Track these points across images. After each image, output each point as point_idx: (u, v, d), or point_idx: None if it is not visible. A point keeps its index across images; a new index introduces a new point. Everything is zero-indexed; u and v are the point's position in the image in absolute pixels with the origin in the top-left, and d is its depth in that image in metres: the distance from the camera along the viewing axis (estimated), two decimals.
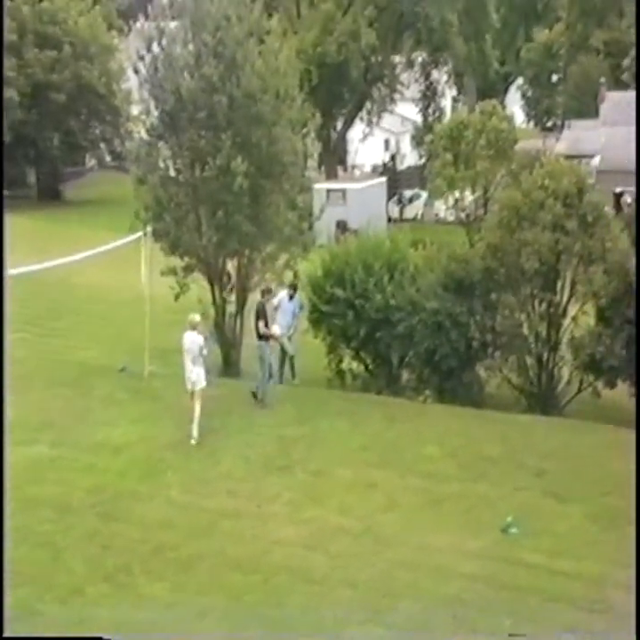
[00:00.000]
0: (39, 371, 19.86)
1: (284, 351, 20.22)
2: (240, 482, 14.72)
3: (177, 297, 20.35)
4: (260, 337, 18.17)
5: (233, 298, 20.82)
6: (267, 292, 19.00)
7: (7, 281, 18.31)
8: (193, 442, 15.86)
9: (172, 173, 20.62)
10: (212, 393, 16.84)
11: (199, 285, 20.52)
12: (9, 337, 21.06)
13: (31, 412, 17.20)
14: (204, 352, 16.49)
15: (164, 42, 20.24)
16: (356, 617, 10.75)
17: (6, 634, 9.31)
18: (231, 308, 20.84)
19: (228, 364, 20.81)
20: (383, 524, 13.32)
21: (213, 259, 20.40)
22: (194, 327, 16.51)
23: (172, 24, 20.88)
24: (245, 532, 13.01)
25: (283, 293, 20.42)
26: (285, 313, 20.22)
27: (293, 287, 20.55)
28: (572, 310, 19.20)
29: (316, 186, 34.34)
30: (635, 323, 18.01)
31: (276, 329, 18.78)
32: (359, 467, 15.28)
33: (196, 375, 16.36)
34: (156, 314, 19.65)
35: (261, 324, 18.06)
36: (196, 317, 16.84)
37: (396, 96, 58.95)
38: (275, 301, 20.04)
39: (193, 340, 16.38)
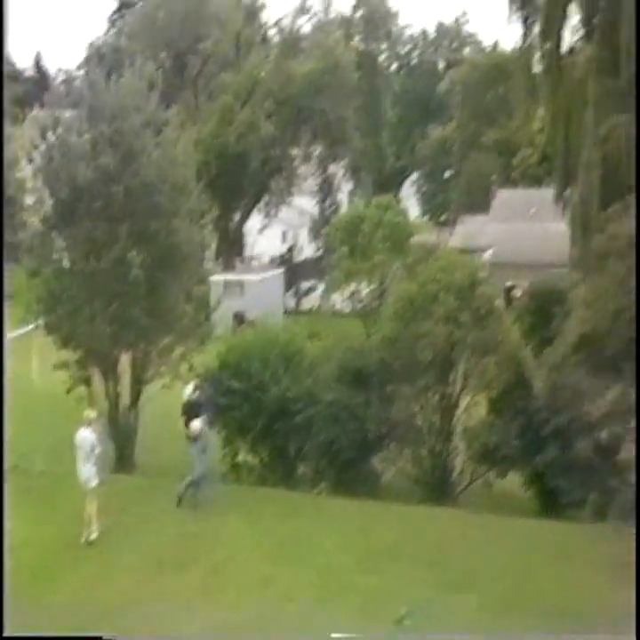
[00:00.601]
0: None
1: None
2: (134, 581, 14.29)
3: (69, 391, 19.94)
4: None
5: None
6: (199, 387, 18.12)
7: None
8: (85, 541, 15.36)
9: (67, 265, 20.35)
10: (106, 489, 16.40)
11: (93, 379, 20.16)
12: None
13: None
14: (97, 450, 15.92)
15: (59, 130, 20.12)
16: None
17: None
18: (126, 401, 20.51)
19: (122, 458, 20.39)
20: (279, 619, 13.06)
21: (107, 352, 20.10)
22: (88, 423, 16.01)
23: (68, 113, 20.81)
24: (142, 631, 12.58)
25: (188, 388, 19.20)
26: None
27: (201, 379, 19.31)
28: (465, 401, 19.44)
29: (214, 277, 34.37)
30: (524, 411, 18.35)
31: (195, 424, 17.64)
32: (255, 562, 15.01)
33: (87, 473, 15.80)
34: (48, 410, 19.19)
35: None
36: (91, 414, 16.35)
37: (294, 188, 59.79)
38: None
39: (84, 437, 15.86)
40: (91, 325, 19.62)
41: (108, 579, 14.42)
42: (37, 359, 19.05)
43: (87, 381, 20.11)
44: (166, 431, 22.99)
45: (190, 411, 17.38)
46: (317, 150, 60.57)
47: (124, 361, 20.79)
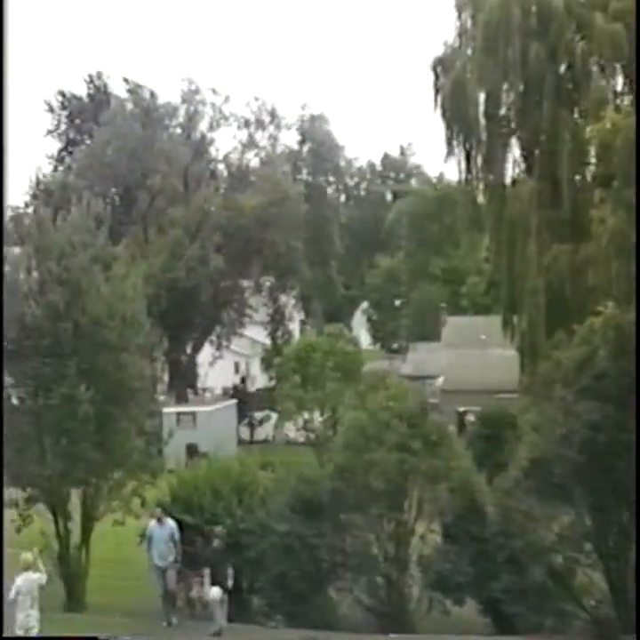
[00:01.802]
0: None
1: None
2: None
3: (19, 530, 19.54)
4: None
5: None
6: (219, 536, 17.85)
7: None
8: None
9: (15, 402, 20.17)
10: (51, 631, 15.91)
11: (42, 517, 19.81)
12: None
13: None
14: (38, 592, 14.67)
15: (7, 268, 20.16)
16: None
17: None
18: (76, 539, 20.13)
19: (71, 598, 19.89)
20: None
21: (57, 489, 19.82)
22: (28, 567, 14.54)
23: (16, 250, 20.92)
24: None
25: (152, 522, 18.83)
26: (158, 542, 18.48)
27: (163, 509, 19.01)
28: (420, 528, 19.35)
29: (166, 410, 34.25)
30: (478, 537, 18.29)
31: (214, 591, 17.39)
32: None
33: (34, 620, 14.35)
34: None
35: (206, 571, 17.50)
36: (29, 556, 14.76)
37: (246, 319, 60.21)
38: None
39: (32, 580, 14.43)
40: (40, 463, 19.33)
41: None
42: None
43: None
44: (118, 569, 22.62)
45: (215, 561, 17.52)
46: (268, 281, 61.28)
47: (75, 498, 20.47)
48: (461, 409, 42.87)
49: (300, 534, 18.96)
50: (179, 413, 40.56)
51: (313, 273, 66.56)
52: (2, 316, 19.14)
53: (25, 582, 14.46)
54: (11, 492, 19.57)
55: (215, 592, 17.34)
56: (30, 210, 56.71)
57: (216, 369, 58.64)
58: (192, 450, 38.08)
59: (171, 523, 18.45)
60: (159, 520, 18.51)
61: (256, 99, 62.65)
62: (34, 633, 14.36)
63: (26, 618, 14.33)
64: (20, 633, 14.31)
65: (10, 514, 19.41)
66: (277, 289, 61.95)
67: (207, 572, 17.27)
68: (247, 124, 61.73)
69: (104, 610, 19.98)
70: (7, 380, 20.17)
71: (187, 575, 19.70)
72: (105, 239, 20.97)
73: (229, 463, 21.48)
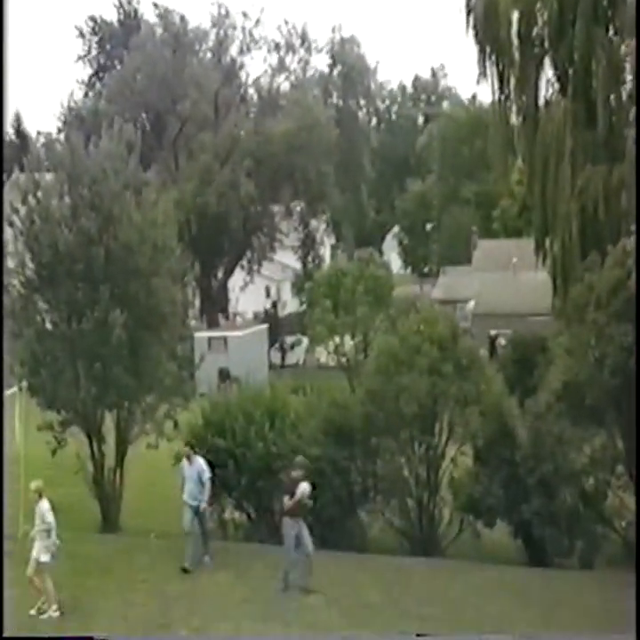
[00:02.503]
0: None
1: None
2: None
3: (54, 452, 19.90)
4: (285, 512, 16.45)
5: None
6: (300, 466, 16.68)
7: None
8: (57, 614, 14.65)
9: (49, 327, 20.38)
10: (89, 551, 16.29)
11: (77, 440, 20.12)
12: None
13: None
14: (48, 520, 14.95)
15: (39, 194, 20.25)
16: None
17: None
18: (110, 462, 20.45)
19: (106, 520, 20.27)
20: None
21: (91, 412, 20.08)
22: (40, 495, 14.95)
23: (48, 177, 20.98)
24: None
25: (183, 461, 18.10)
26: (188, 481, 17.74)
27: (191, 447, 18.18)
28: (451, 452, 19.46)
29: (197, 334, 34.43)
30: (509, 461, 18.37)
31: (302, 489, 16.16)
32: (242, 620, 14.84)
33: (51, 546, 14.88)
34: (32, 472, 19.07)
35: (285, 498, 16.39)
36: (40, 484, 15.18)
37: (276, 244, 60.19)
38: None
39: (46, 509, 14.87)
40: (74, 387, 19.59)
41: None
42: (20, 422, 18.99)
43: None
44: (151, 492, 22.95)
45: (293, 489, 16.25)
46: (298, 206, 61.03)
47: (109, 421, 20.75)
48: (493, 333, 42.80)
49: (332, 458, 19.12)
50: (210, 338, 40.76)
51: (344, 198, 66.15)
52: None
53: (45, 510, 14.83)
54: (46, 415, 19.85)
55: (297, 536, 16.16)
56: (62, 136, 56.87)
57: (247, 294, 58.83)
58: (223, 374, 38.32)
59: (199, 461, 17.74)
60: (188, 458, 17.84)
61: (286, 22, 62.03)
62: (46, 560, 14.73)
63: (47, 545, 14.74)
64: (48, 560, 14.70)
65: (45, 436, 19.71)
66: (308, 214, 61.71)
67: (286, 498, 16.26)
68: (277, 47, 60.96)
69: (138, 531, 20.35)
70: (41, 305, 20.38)
71: (218, 496, 19.99)
72: (136, 165, 20.93)
73: (261, 387, 21.61)
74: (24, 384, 19.37)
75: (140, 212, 20.26)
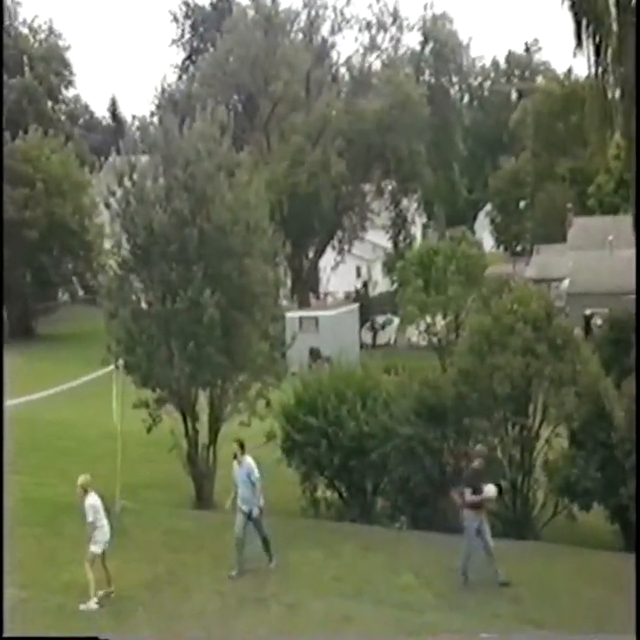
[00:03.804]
0: (8, 510, 19.48)
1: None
2: (213, 617, 14.34)
3: (149, 429, 20.26)
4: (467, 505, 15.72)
5: None
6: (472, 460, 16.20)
7: None
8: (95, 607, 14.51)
9: (144, 306, 20.72)
10: (183, 527, 16.54)
11: (171, 417, 20.43)
12: None
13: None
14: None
15: (135, 176, 20.57)
16: None
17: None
18: (204, 439, 20.72)
19: (200, 497, 20.56)
20: None
21: (185, 390, 20.37)
22: (88, 486, 14.85)
23: (143, 159, 21.30)
24: None
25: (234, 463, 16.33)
26: (238, 484, 16.19)
27: (240, 446, 16.33)
28: (545, 433, 19.18)
29: (289, 314, 34.60)
30: (606, 443, 18.04)
31: (489, 489, 15.67)
32: (334, 598, 14.94)
33: (108, 530, 14.93)
34: (128, 448, 19.46)
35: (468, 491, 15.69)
36: (88, 477, 15.03)
37: (367, 224, 60.06)
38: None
39: (95, 501, 14.80)
40: (169, 365, 19.89)
41: (189, 615, 14.48)
42: (117, 400, 19.35)
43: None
44: None
45: (474, 481, 15.73)
46: (390, 185, 60.77)
47: (202, 399, 21.03)
48: (588, 312, 42.04)
49: (424, 438, 19.03)
50: (301, 318, 40.91)
51: (435, 176, 65.62)
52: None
53: (97, 500, 14.84)
54: (141, 393, 20.21)
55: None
56: (156, 119, 57.67)
57: (338, 274, 58.91)
58: (315, 354, 38.47)
59: (248, 461, 16.07)
60: (235, 457, 16.16)
61: (377, 0, 61.42)
62: (98, 551, 14.74)
63: (105, 534, 14.80)
64: (97, 551, 14.70)
65: (141, 414, 20.07)
66: (399, 193, 61.50)
67: (468, 491, 15.62)
68: (369, 26, 60.72)
69: (235, 509, 20.55)
70: (136, 285, 20.72)
71: (310, 475, 20.10)
72: (229, 147, 21.11)
73: (352, 367, 21.62)
74: (120, 362, 19.72)
75: (233, 193, 20.42)
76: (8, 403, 20.48)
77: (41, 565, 16.31)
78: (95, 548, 14.66)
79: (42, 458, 24.54)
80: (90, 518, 14.60)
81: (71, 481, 19.53)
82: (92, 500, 14.75)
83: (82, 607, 14.43)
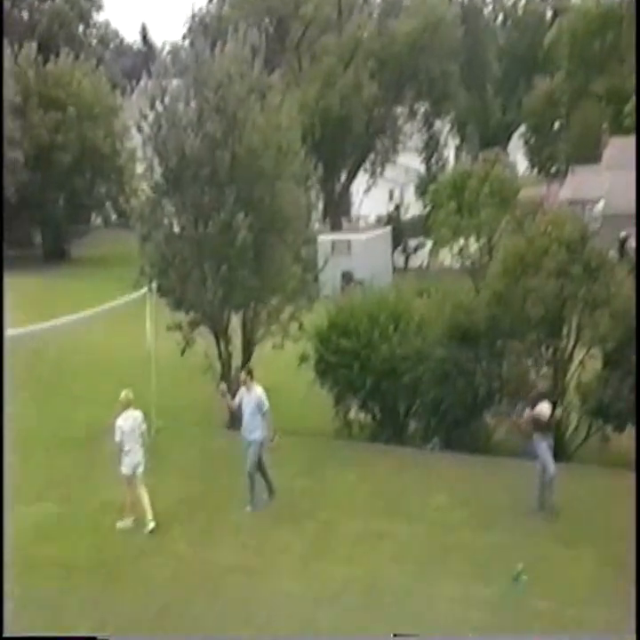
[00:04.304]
0: (45, 430, 19.86)
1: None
2: (249, 534, 14.61)
3: (183, 351, 20.44)
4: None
5: None
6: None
7: (8, 340, 18.26)
8: (151, 528, 14.54)
9: (177, 230, 20.75)
10: (218, 447, 16.75)
11: (205, 340, 20.59)
12: (15, 396, 21.07)
13: (38, 472, 17.19)
14: (144, 428, 15.02)
15: (166, 100, 20.46)
16: None
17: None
18: (237, 362, 20.87)
19: (234, 418, 20.74)
20: (392, 574, 13.19)
21: (218, 313, 20.48)
22: (129, 405, 14.83)
23: (175, 82, 21.18)
24: (254, 586, 12.88)
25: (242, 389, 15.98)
26: (244, 412, 15.90)
27: (249, 373, 16.08)
28: (579, 355, 19.15)
29: (321, 237, 34.50)
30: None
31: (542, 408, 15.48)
32: (368, 517, 15.18)
33: (140, 456, 14.78)
34: (162, 370, 19.66)
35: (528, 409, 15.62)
36: (130, 393, 15.01)
37: (399, 147, 59.44)
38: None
39: (135, 417, 14.79)
40: (202, 288, 19.97)
41: (224, 532, 14.75)
42: (151, 322, 19.50)
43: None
44: (277, 392, 23.36)
45: (537, 400, 15.70)
46: (422, 107, 59.97)
47: (235, 322, 21.15)
48: (623, 234, 41.56)
49: (457, 360, 19.07)
50: (333, 241, 40.76)
51: (469, 98, 64.59)
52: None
53: (126, 421, 14.74)
54: (175, 316, 20.37)
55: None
56: (187, 43, 56.99)
57: (370, 197, 58.47)
58: (347, 277, 38.38)
59: (257, 390, 15.67)
60: (245, 384, 15.81)
61: None
62: (140, 471, 14.75)
63: (133, 456, 14.68)
64: (126, 472, 14.71)
65: (175, 336, 20.25)
66: (432, 115, 60.61)
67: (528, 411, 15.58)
68: None
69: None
70: (169, 208, 20.74)
71: (343, 397, 20.23)
72: (260, 69, 20.89)
73: (385, 290, 21.62)
74: (153, 285, 19.83)
75: (265, 116, 20.28)
76: (43, 325, 20.62)
77: (78, 484, 16.65)
78: (125, 470, 14.72)
79: (77, 380, 24.87)
80: (117, 438, 14.66)
81: (107, 402, 19.83)
82: (122, 421, 14.70)
83: (119, 525, 14.71)
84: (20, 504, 15.41)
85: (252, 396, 15.63)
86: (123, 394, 14.89)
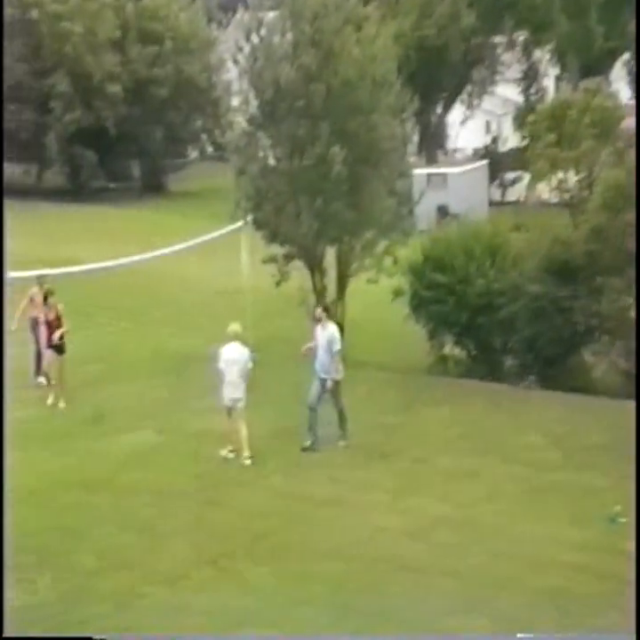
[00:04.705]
0: (142, 360, 20.26)
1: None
2: (341, 469, 14.71)
3: (278, 284, 20.57)
4: None
5: None
6: None
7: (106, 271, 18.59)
8: (248, 462, 14.67)
9: (272, 163, 20.78)
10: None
11: (300, 273, 20.65)
12: (113, 326, 21.53)
13: (135, 400, 17.58)
14: (250, 365, 14.85)
15: (262, 32, 20.44)
16: (458, 607, 10.56)
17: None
18: (332, 295, 20.91)
19: None
20: (484, 513, 13.13)
21: (313, 246, 20.50)
22: (236, 337, 14.77)
23: (271, 14, 21.03)
24: (347, 519, 12.98)
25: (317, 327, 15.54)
26: (317, 349, 15.45)
27: (325, 310, 15.92)
28: None
29: (416, 171, 34.07)
30: None
31: None
32: (460, 455, 15.14)
33: (242, 392, 14.75)
34: (257, 303, 19.81)
35: None
36: (237, 326, 14.96)
37: (497, 77, 58.16)
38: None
39: (241, 352, 14.70)
40: (296, 221, 19.96)
41: (316, 465, 14.89)
42: (246, 255, 19.62)
43: None
44: (372, 327, 23.39)
45: None
46: (521, 36, 58.44)
47: (330, 255, 21.13)
48: None
49: (554, 296, 18.74)
50: (429, 174, 40.24)
51: (570, 25, 62.61)
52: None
53: (231, 351, 14.67)
54: (270, 249, 20.45)
55: None
56: None
57: (466, 129, 57.52)
58: (443, 211, 37.97)
59: (331, 328, 15.30)
60: (319, 321, 15.48)
61: None
62: (240, 406, 14.71)
63: (233, 390, 14.65)
64: (226, 403, 14.71)
65: (269, 270, 20.34)
66: (531, 44, 59.01)
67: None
68: None
69: (358, 364, 20.83)
70: (264, 141, 20.73)
71: (438, 332, 20.12)
72: (356, 0, 20.60)
73: (481, 224, 21.33)
74: (249, 218, 19.88)
75: (360, 47, 20.07)
76: (141, 257, 20.96)
77: (174, 413, 16.96)
78: (226, 402, 14.79)
79: (171, 311, 25.26)
80: (220, 365, 14.66)
81: (200, 333, 20.14)
82: (226, 350, 14.69)
83: (221, 453, 14.87)
84: (120, 432, 15.83)
85: (326, 333, 15.22)
86: (230, 327, 14.80)
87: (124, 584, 10.94)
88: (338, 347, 15.11)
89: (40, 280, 18.20)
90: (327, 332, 15.20)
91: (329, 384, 15.21)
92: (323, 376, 15.21)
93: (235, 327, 14.86)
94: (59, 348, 17.21)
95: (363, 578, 11.34)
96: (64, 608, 10.29)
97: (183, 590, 10.92)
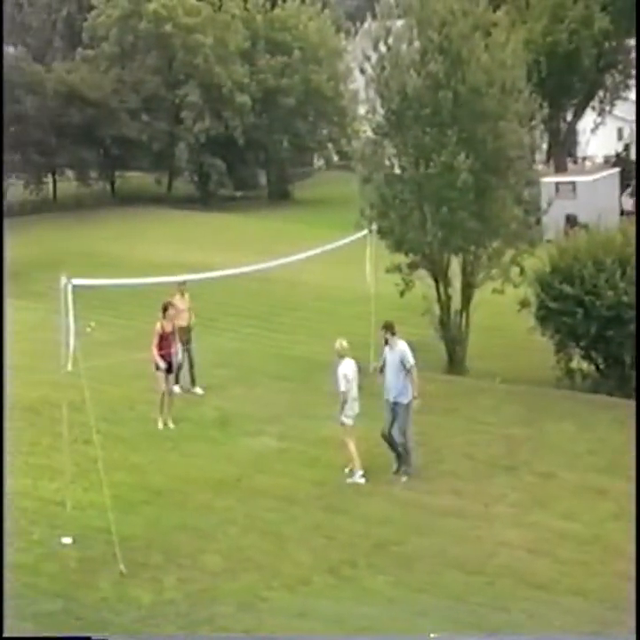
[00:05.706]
0: (266, 365, 20.49)
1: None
2: (464, 481, 14.54)
3: (402, 293, 20.54)
4: None
5: None
6: None
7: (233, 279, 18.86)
8: (362, 480, 14.29)
9: (397, 171, 20.73)
10: (434, 390, 16.71)
11: (424, 282, 20.56)
12: (238, 332, 21.79)
13: (258, 405, 17.77)
14: (359, 378, 14.44)
15: (390, 41, 20.42)
16: (584, 627, 10.32)
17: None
18: (456, 305, 20.75)
19: (452, 361, 20.73)
20: (612, 532, 12.75)
21: (438, 255, 20.40)
22: (345, 353, 14.26)
23: (399, 23, 21.02)
24: (469, 531, 12.82)
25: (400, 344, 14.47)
26: (390, 368, 14.48)
27: (389, 330, 14.52)
28: None
29: (544, 179, 33.61)
30: None
31: None
32: (587, 471, 14.78)
33: (358, 406, 14.35)
34: (380, 311, 19.75)
35: None
36: (345, 343, 14.32)
37: (631, 82, 56.78)
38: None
39: (355, 369, 14.30)
40: (421, 230, 19.90)
41: (440, 475, 14.77)
42: (371, 264, 19.63)
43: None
44: (497, 337, 23.13)
45: None
46: None
47: (455, 265, 20.97)
48: None
49: None
50: (558, 183, 39.63)
51: None
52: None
53: (348, 369, 14.21)
54: (394, 258, 20.41)
55: None
56: None
57: (597, 136, 56.36)
58: (571, 220, 37.16)
59: (401, 345, 14.33)
60: (386, 342, 14.47)
61: None
62: (352, 423, 14.34)
63: (354, 405, 14.31)
64: (347, 422, 14.30)
65: (393, 279, 20.30)
66: None
67: None
68: None
69: (483, 374, 20.64)
70: (390, 150, 20.75)
71: (565, 345, 19.73)
72: (485, 6, 20.53)
73: (612, 234, 20.79)
74: (374, 227, 19.90)
75: (489, 54, 19.89)
76: (267, 265, 21.11)
77: (298, 419, 17.09)
78: (347, 421, 14.36)
79: (298, 317, 25.51)
80: (342, 388, 14.12)
81: (326, 340, 20.16)
82: (345, 368, 14.20)
83: (348, 481, 14.44)
84: (244, 436, 16.05)
85: (396, 352, 14.25)
86: (337, 343, 14.32)
87: (247, 586, 11.11)
88: (411, 362, 14.17)
89: (181, 287, 18.16)
90: (397, 350, 14.29)
91: (402, 403, 14.30)
92: (390, 399, 14.35)
93: (344, 343, 14.33)
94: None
95: (485, 591, 11.19)
96: (189, 607, 10.48)
97: (304, 595, 11.00)
